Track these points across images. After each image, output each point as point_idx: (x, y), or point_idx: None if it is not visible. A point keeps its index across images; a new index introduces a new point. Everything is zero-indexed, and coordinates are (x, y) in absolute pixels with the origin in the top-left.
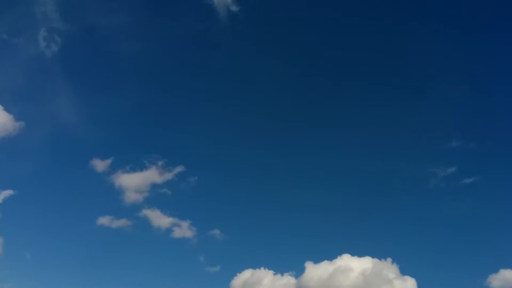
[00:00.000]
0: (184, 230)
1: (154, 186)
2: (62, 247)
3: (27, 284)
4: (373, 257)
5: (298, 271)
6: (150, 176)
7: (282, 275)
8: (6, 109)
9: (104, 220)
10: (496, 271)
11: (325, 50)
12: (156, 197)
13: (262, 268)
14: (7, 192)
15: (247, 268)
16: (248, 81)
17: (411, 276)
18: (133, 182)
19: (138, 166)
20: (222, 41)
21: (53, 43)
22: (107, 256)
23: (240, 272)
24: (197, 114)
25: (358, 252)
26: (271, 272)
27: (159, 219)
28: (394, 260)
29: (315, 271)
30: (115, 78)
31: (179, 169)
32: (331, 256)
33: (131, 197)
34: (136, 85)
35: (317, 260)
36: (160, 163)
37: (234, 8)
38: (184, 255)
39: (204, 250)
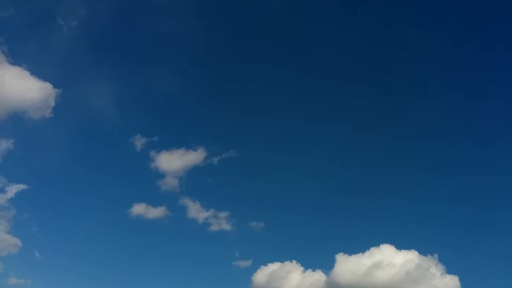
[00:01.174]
0: (221, 222)
1: (195, 172)
2: (93, 236)
3: (56, 275)
4: (418, 252)
5: (329, 264)
6: (191, 160)
7: (313, 270)
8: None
9: (139, 209)
10: None
11: None
12: (196, 184)
13: (292, 261)
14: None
15: (276, 261)
16: (298, 62)
17: (455, 274)
18: (172, 165)
19: (178, 148)
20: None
21: (95, 20)
22: (139, 247)
23: (267, 265)
24: (247, 98)
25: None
26: (300, 267)
27: (197, 210)
28: (438, 256)
29: (348, 264)
30: (161, 56)
31: (222, 155)
32: (364, 248)
33: (169, 183)
34: (183, 64)
35: (350, 251)
36: (202, 147)
37: None
38: (218, 249)
39: (239, 244)
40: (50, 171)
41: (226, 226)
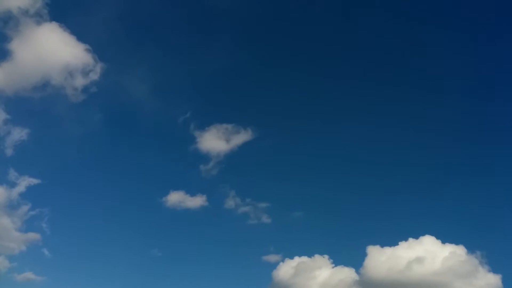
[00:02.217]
0: (259, 213)
1: (235, 155)
2: (126, 223)
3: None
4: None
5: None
6: (236, 141)
7: (343, 266)
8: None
9: (176, 197)
10: None
11: None
12: (237, 169)
13: (324, 256)
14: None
15: (303, 255)
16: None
17: (498, 273)
18: (214, 147)
19: (222, 129)
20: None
21: None
22: (174, 238)
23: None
24: (299, 79)
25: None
26: (329, 262)
27: (236, 199)
28: (484, 254)
29: (380, 257)
30: (210, 34)
31: (265, 141)
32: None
33: (211, 168)
34: (232, 41)
35: (383, 243)
36: (248, 128)
37: None
38: (253, 242)
39: (275, 236)
40: (75, 158)
41: (264, 218)
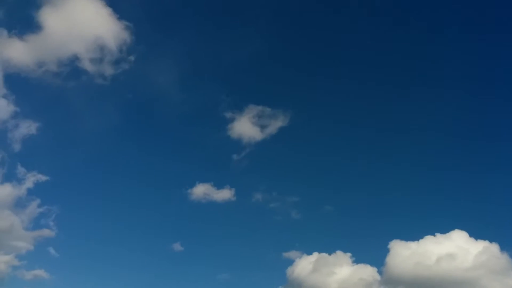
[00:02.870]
0: (287, 209)
1: (268, 144)
2: (145, 218)
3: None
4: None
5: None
6: (265, 131)
7: (365, 264)
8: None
9: (202, 189)
10: None
11: None
12: (266, 161)
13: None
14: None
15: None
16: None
17: None
18: (246, 134)
19: (251, 116)
20: None
21: None
22: (196, 233)
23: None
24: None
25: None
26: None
27: (263, 194)
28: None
29: (404, 252)
30: (240, 18)
31: (300, 129)
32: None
33: (239, 159)
34: (261, 26)
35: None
36: (278, 115)
37: None
38: (278, 238)
39: (300, 234)
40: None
41: (293, 213)
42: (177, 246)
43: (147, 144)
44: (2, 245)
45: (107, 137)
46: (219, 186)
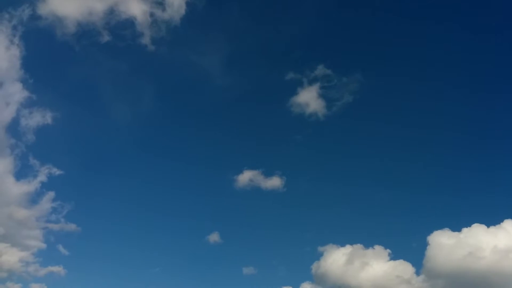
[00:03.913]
0: (337, 201)
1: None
2: (184, 208)
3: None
4: None
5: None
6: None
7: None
8: None
9: (248, 176)
10: None
11: None
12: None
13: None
14: None
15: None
16: None
17: None
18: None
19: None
20: None
21: None
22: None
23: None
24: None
25: None
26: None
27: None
28: None
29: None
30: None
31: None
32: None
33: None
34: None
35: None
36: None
37: None
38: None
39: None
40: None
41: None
42: (214, 237)
43: (186, 133)
44: (15, 240)
45: (142, 124)
46: (268, 173)
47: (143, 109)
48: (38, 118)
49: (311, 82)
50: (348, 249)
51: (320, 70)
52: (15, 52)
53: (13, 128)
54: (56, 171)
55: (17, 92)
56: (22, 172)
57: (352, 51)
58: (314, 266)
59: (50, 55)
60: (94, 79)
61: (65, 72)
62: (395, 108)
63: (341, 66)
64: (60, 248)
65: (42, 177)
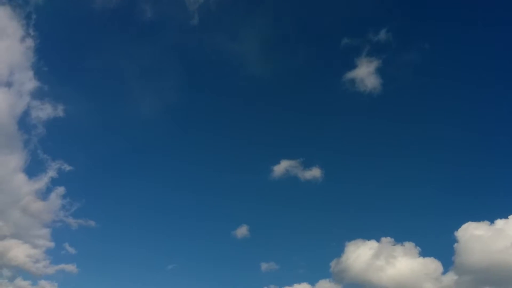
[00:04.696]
0: (377, 196)
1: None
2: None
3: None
4: None
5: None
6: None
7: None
8: None
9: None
10: None
11: None
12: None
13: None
14: None
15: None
16: None
17: None
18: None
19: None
20: None
21: None
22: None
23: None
24: None
25: None
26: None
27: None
28: None
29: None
30: None
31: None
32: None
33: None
34: None
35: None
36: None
37: None
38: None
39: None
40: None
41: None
42: (243, 231)
43: (216, 123)
44: (25, 237)
45: (168, 117)
46: (307, 165)
47: (171, 101)
48: (49, 111)
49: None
50: (373, 244)
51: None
52: (28, 39)
53: (24, 121)
54: (67, 167)
55: (28, 82)
56: (32, 168)
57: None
58: (333, 263)
59: (66, 42)
60: (114, 69)
61: (83, 61)
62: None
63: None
64: (72, 245)
65: (52, 173)
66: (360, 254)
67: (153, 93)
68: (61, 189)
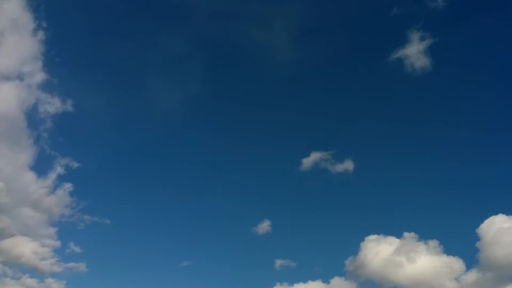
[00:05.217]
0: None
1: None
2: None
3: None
4: None
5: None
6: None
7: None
8: None
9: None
10: None
11: None
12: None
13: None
14: None
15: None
16: None
17: None
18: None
19: None
20: None
21: None
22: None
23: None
24: None
25: None
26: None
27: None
28: None
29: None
30: None
31: None
32: None
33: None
34: None
35: None
36: None
37: None
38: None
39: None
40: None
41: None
42: (265, 226)
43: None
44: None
45: (190, 108)
46: (339, 157)
47: (194, 92)
48: (58, 105)
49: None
50: (394, 240)
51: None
52: (40, 30)
53: (32, 115)
54: (75, 164)
55: (37, 75)
56: (40, 165)
57: None
58: (349, 260)
59: (80, 32)
60: (131, 59)
61: (97, 52)
62: None
63: None
64: (80, 243)
65: (60, 169)
66: (379, 251)
67: (175, 84)
68: (68, 186)
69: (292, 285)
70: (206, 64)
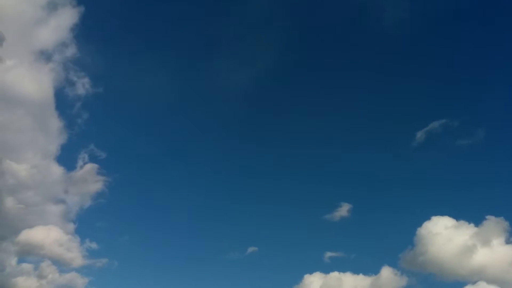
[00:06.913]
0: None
1: None
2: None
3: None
4: None
5: None
6: None
7: None
8: None
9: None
10: None
11: None
12: None
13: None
14: None
15: None
16: None
17: None
18: None
19: None
20: None
21: None
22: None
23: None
24: None
25: None
26: None
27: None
28: None
29: None
30: None
31: None
32: None
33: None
34: None
35: None
36: None
37: None
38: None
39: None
40: None
41: None
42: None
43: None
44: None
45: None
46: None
47: (269, 65)
48: (87, 86)
49: None
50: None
51: None
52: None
53: (61, 99)
54: (102, 154)
55: (66, 54)
56: (65, 153)
57: None
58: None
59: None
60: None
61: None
62: None
63: None
64: (104, 237)
65: (86, 158)
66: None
67: (252, 54)
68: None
69: None
70: (292, 30)
